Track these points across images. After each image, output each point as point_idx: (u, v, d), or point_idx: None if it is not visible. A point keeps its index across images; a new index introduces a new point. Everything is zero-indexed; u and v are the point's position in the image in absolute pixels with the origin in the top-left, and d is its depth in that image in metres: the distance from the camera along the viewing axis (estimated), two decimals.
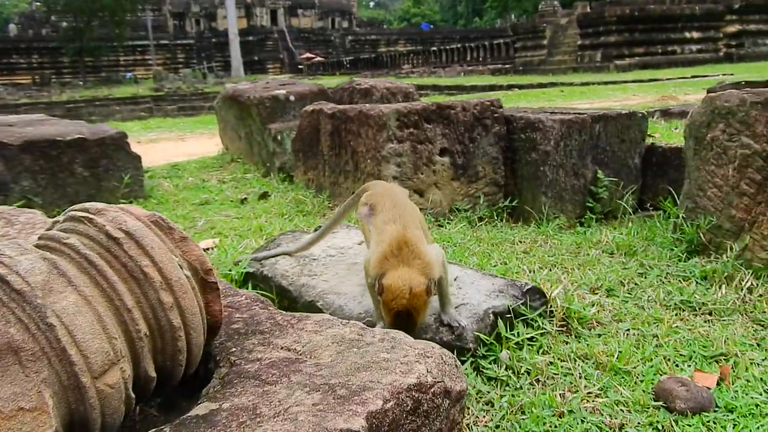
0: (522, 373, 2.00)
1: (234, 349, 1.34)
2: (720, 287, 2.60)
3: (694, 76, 16.40)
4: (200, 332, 1.24)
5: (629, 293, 2.64)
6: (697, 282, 2.70)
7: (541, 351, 2.13)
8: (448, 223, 3.76)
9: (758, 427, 1.70)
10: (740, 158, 2.85)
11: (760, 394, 1.86)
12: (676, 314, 2.42)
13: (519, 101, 11.41)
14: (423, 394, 1.16)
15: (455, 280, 2.36)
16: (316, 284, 2.39)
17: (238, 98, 6.43)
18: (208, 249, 3.37)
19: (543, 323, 2.24)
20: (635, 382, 1.95)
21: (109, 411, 1.10)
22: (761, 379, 1.94)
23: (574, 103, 10.37)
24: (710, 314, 2.42)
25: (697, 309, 2.46)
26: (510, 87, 18.32)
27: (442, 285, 2.02)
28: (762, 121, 2.76)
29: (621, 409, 1.81)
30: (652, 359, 2.07)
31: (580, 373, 1.99)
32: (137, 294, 1.16)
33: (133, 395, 1.15)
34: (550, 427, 1.75)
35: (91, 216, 1.18)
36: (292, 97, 6.06)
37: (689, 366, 2.04)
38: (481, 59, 34.88)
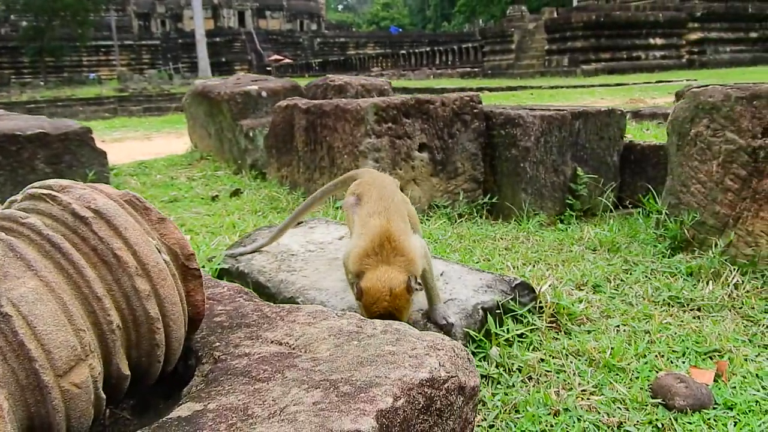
0: (514, 371, 1.93)
1: (218, 344, 1.20)
2: (707, 283, 2.56)
3: (660, 81, 16.70)
4: (180, 324, 1.09)
5: (616, 289, 2.59)
6: (683, 278, 2.67)
7: (531, 348, 2.07)
8: (427, 219, 3.68)
9: (759, 424, 1.66)
10: (724, 154, 2.82)
11: (758, 391, 1.82)
12: (665, 310, 2.37)
13: (491, 102, 11.40)
14: (436, 391, 1.05)
15: (441, 275, 2.26)
16: (296, 280, 2.27)
17: (208, 94, 6.25)
18: None
19: (533, 319, 2.17)
20: (630, 379, 1.89)
21: (75, 414, 0.95)
22: (757, 375, 1.91)
23: (546, 105, 10.38)
24: (699, 310, 2.38)
25: (685, 305, 2.42)
26: (480, 90, 18.38)
27: (427, 279, 1.93)
28: (747, 116, 2.74)
29: (618, 407, 1.75)
30: (645, 355, 2.03)
31: (573, 371, 1.93)
32: (108, 281, 1.02)
33: (103, 396, 1.01)
34: (547, 425, 1.68)
35: (54, 193, 1.03)
36: (264, 93, 5.90)
37: (684, 362, 2.00)
38: (450, 63, 34.99)
